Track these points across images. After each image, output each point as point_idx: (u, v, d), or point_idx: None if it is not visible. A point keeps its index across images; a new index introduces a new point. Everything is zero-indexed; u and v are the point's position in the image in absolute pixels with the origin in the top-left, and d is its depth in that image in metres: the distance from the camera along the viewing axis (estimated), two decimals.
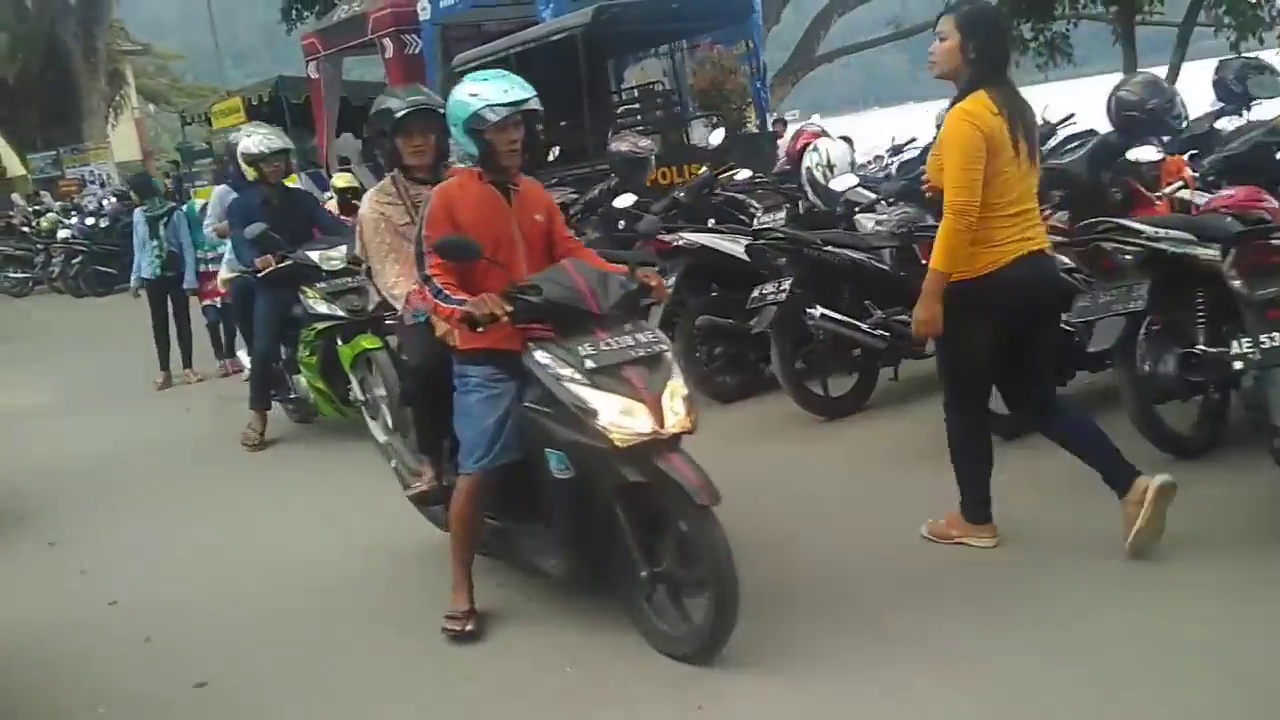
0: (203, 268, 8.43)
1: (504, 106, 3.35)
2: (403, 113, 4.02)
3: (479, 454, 3.43)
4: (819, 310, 5.28)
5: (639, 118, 10.80)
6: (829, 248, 5.42)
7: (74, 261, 16.12)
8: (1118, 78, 10.68)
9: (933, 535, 3.82)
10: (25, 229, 19.21)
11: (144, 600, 4.33)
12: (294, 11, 19.13)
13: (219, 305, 8.42)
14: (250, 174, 6.26)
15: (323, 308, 5.94)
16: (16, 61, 26.19)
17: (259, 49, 45.99)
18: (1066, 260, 4.62)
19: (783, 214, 7.74)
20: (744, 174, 8.46)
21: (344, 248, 5.97)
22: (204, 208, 8.50)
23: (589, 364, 3.13)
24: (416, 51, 13.64)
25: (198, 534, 5.09)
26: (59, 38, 25.26)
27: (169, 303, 8.49)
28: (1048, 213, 5.05)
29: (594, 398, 3.09)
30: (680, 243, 6.27)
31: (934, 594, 3.47)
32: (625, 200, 6.87)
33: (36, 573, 4.94)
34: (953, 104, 3.45)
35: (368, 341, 5.80)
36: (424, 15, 12.99)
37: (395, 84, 14.18)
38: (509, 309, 3.20)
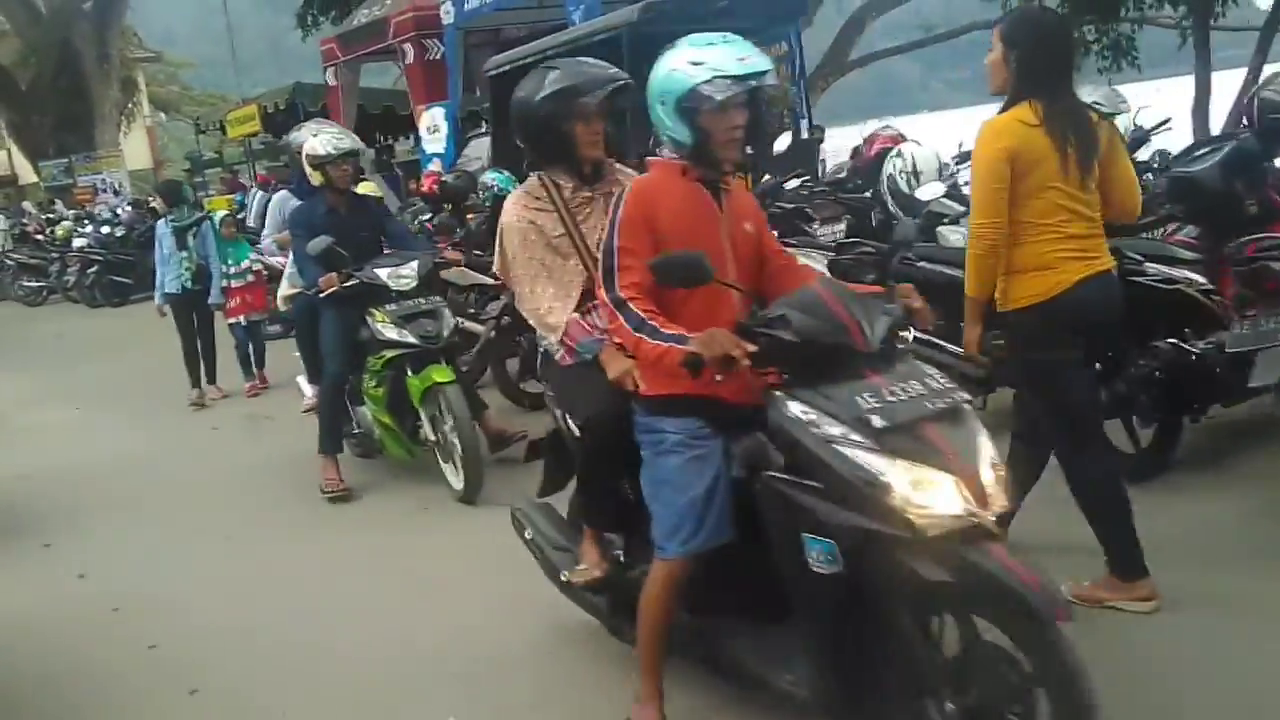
0: (225, 283, 8.02)
1: (735, 81, 2.56)
2: (611, 88, 3.29)
3: (685, 533, 2.65)
4: (912, 332, 4.83)
5: None
6: (923, 263, 4.97)
7: (89, 271, 15.77)
8: (1188, 81, 10.28)
9: (1079, 599, 3.32)
10: (39, 237, 18.89)
11: (185, 647, 3.96)
12: (310, 17, 18.76)
13: (244, 323, 8.09)
14: (315, 178, 5.53)
15: (392, 333, 5.20)
16: (30, 67, 25.90)
17: (264, 58, 46.00)
18: (1199, 279, 4.18)
19: (842, 225, 7.32)
20: (792, 182, 8.06)
21: (415, 264, 5.35)
22: (223, 219, 8.25)
23: (877, 421, 2.30)
24: (438, 57, 13.28)
25: (245, 574, 4.66)
26: (72, 43, 24.93)
27: (195, 318, 8.04)
28: (1171, 228, 4.64)
29: (886, 467, 2.27)
30: None
31: (1120, 685, 2.78)
32: None
33: (68, 607, 4.53)
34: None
35: (439, 374, 5.12)
36: (447, 19, 12.59)
37: (416, 92, 13.83)
38: (750, 348, 2.43)
